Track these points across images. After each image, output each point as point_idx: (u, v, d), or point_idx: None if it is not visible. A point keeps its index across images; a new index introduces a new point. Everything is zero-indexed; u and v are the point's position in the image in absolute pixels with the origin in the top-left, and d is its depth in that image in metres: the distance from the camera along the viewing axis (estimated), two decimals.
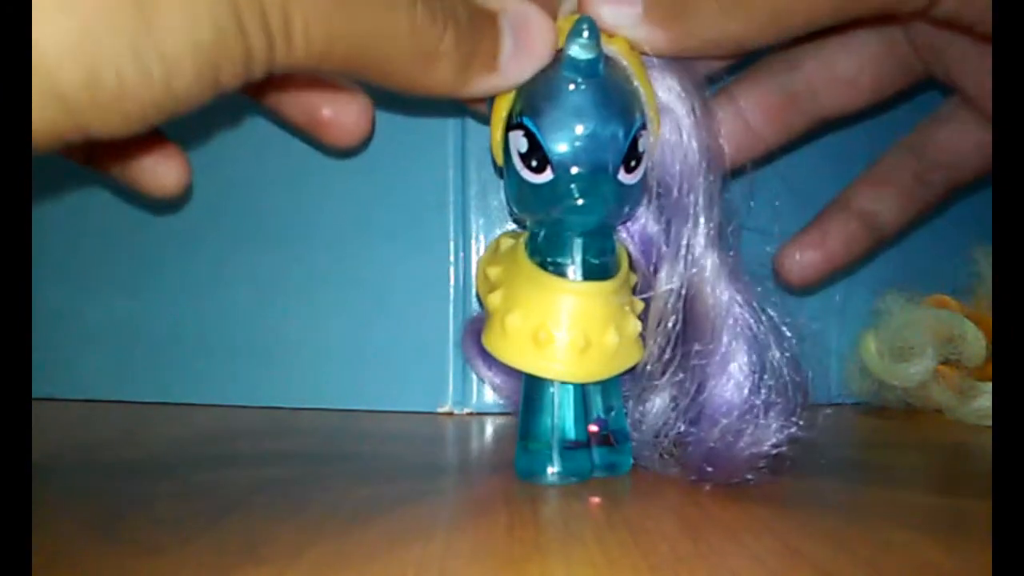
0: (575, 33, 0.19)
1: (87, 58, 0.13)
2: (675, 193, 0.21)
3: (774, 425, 0.19)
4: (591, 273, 0.20)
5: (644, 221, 0.22)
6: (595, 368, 0.20)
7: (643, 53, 0.21)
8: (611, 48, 0.20)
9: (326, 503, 0.18)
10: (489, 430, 0.27)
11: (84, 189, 0.30)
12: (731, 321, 0.20)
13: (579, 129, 0.19)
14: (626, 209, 0.21)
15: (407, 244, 0.29)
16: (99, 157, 0.23)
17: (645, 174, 0.21)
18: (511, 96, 0.20)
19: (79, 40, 0.13)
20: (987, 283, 0.29)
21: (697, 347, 0.20)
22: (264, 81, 0.16)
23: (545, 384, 0.20)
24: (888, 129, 0.29)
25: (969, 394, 0.28)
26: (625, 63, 0.20)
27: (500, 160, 0.21)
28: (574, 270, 0.20)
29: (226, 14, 0.14)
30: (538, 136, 0.19)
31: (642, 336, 0.21)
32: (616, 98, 0.20)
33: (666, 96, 0.21)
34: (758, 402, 0.19)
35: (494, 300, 0.21)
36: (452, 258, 0.29)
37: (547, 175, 0.20)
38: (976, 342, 0.28)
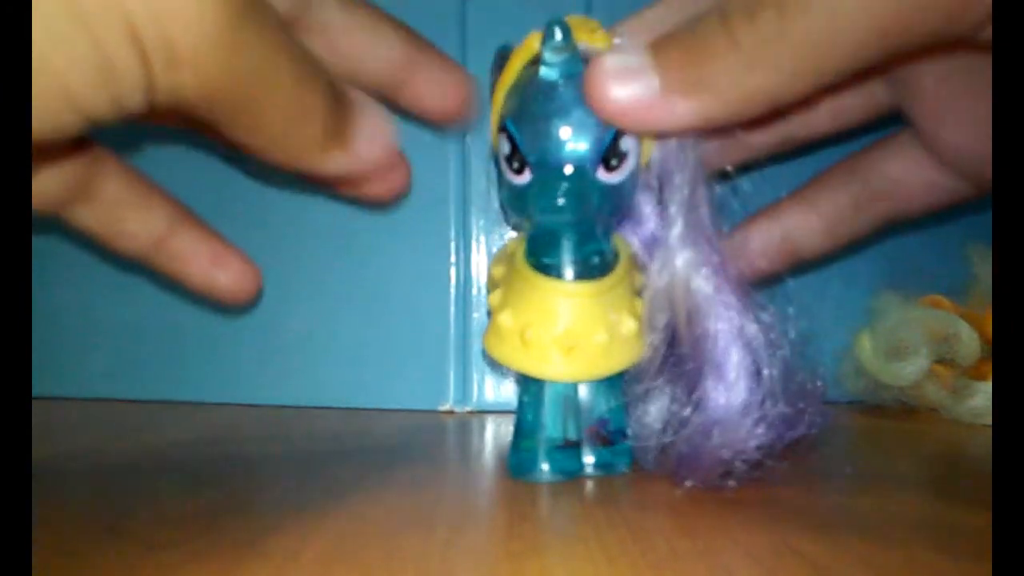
0: (548, 36, 0.19)
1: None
2: (669, 193, 0.20)
3: (761, 427, 0.19)
4: (582, 273, 0.20)
5: (643, 217, 0.22)
6: (582, 368, 0.20)
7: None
8: (592, 46, 0.20)
9: (327, 500, 0.18)
10: (490, 428, 0.27)
11: None
12: (724, 325, 0.20)
13: (553, 131, 0.19)
14: (615, 208, 0.21)
15: (408, 243, 0.29)
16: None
17: (634, 173, 0.20)
18: (501, 99, 0.21)
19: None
20: (981, 283, 0.29)
21: (689, 350, 0.20)
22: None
23: (535, 383, 0.21)
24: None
25: (964, 393, 0.28)
26: None
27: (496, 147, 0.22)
28: (564, 270, 0.20)
29: (80, 31, 0.13)
30: (516, 138, 0.20)
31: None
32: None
33: None
34: (753, 402, 0.19)
35: (493, 300, 0.21)
36: (453, 258, 0.29)
37: (526, 176, 0.20)
38: (970, 342, 0.28)
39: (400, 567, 0.14)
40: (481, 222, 0.29)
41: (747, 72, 0.17)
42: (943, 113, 0.23)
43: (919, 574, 0.14)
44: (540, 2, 0.22)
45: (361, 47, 0.23)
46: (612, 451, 0.21)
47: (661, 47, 0.18)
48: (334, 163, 0.19)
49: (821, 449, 0.24)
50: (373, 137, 0.19)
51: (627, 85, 0.18)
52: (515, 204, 0.21)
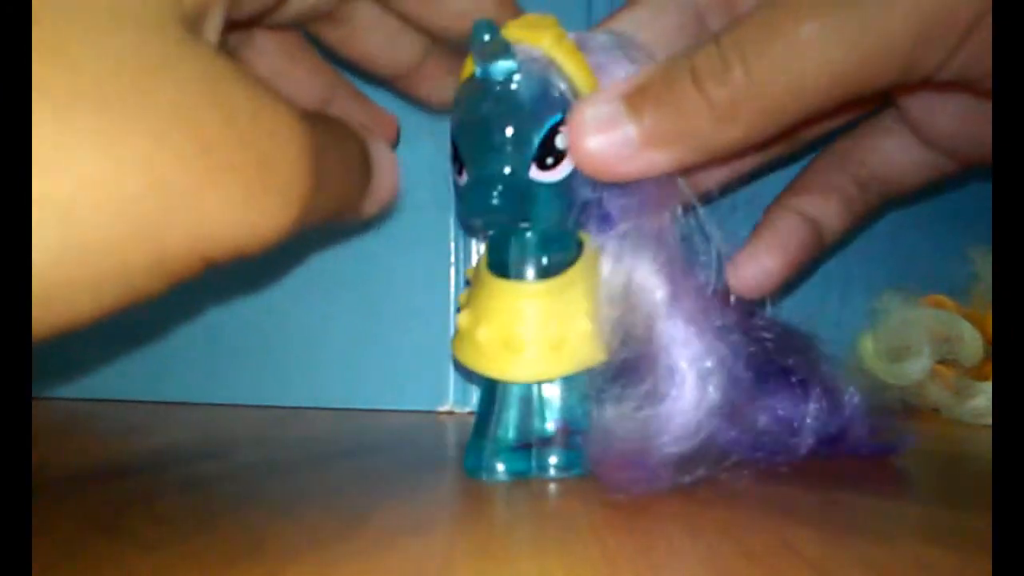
0: (474, 38, 0.19)
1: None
2: (619, 198, 0.20)
3: (684, 425, 0.18)
4: (536, 272, 0.20)
5: (609, 215, 0.21)
6: (533, 369, 0.20)
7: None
8: (530, 44, 0.20)
9: (326, 501, 0.18)
10: None
11: None
12: (676, 323, 0.19)
13: (482, 130, 0.19)
14: (556, 207, 0.20)
15: (408, 244, 0.29)
16: None
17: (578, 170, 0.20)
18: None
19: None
20: (984, 283, 0.29)
21: (646, 350, 0.19)
22: None
23: (490, 382, 0.21)
24: None
25: (966, 393, 0.28)
26: (544, 57, 0.20)
27: None
28: (515, 269, 0.20)
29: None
30: (455, 141, 0.20)
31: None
32: (524, 97, 0.19)
33: (613, 81, 0.20)
34: (714, 407, 0.19)
35: (461, 300, 0.22)
36: (452, 258, 0.29)
37: (464, 177, 0.20)
38: (973, 342, 0.28)
39: (400, 567, 0.14)
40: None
41: (720, 128, 0.18)
42: (931, 102, 0.23)
43: (920, 574, 0.14)
44: (540, 2, 0.22)
45: (379, 47, 0.24)
46: (572, 452, 0.21)
47: (636, 101, 0.19)
48: (369, 208, 0.20)
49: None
50: (382, 185, 0.20)
51: (604, 136, 0.19)
52: (459, 207, 0.21)
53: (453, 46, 0.23)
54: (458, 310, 0.22)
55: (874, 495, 0.20)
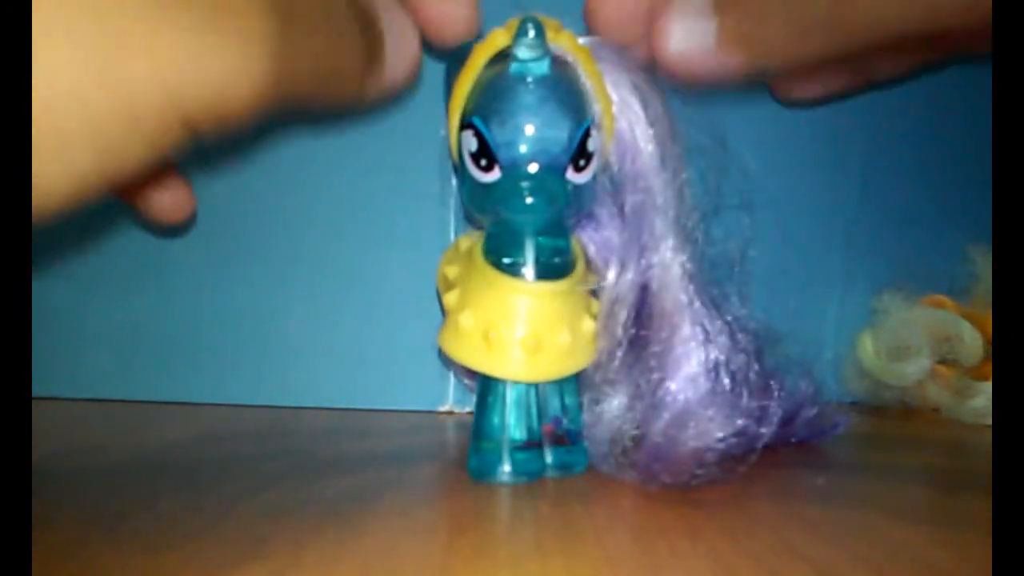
0: (521, 33, 0.19)
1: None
2: (631, 192, 0.20)
3: (719, 418, 0.19)
4: (545, 273, 0.20)
5: (601, 220, 0.22)
6: (546, 368, 0.20)
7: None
8: (558, 45, 0.20)
9: (327, 501, 0.18)
10: None
11: None
12: (686, 322, 0.20)
13: (526, 128, 0.19)
14: (577, 208, 0.21)
15: (407, 243, 0.29)
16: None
17: (596, 175, 0.21)
18: (464, 95, 0.20)
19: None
20: (984, 283, 0.29)
21: (653, 349, 0.20)
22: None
23: (497, 384, 0.21)
24: (876, 142, 0.30)
25: (966, 393, 0.28)
26: (572, 60, 0.20)
27: (456, 159, 0.21)
28: (527, 269, 0.20)
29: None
30: (485, 135, 0.20)
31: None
32: (563, 96, 0.20)
33: (618, 92, 0.21)
34: (710, 398, 0.19)
35: (451, 300, 0.21)
36: None
37: (495, 174, 0.20)
38: (973, 342, 0.28)
39: (400, 568, 0.14)
40: None
41: (798, 41, 0.19)
42: None
43: (920, 574, 0.14)
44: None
45: (442, 16, 0.23)
46: (569, 450, 0.21)
47: (724, 3, 0.20)
48: (370, 92, 0.20)
49: (822, 449, 0.24)
50: (401, 56, 0.20)
51: (687, 27, 0.20)
52: (481, 202, 0.21)
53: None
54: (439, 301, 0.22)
55: (874, 495, 0.20)
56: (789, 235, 0.30)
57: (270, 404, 0.30)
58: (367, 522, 0.17)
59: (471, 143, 0.20)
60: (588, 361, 0.21)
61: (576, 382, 0.21)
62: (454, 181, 0.29)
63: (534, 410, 0.21)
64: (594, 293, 0.21)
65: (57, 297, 0.30)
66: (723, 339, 0.20)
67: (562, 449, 0.21)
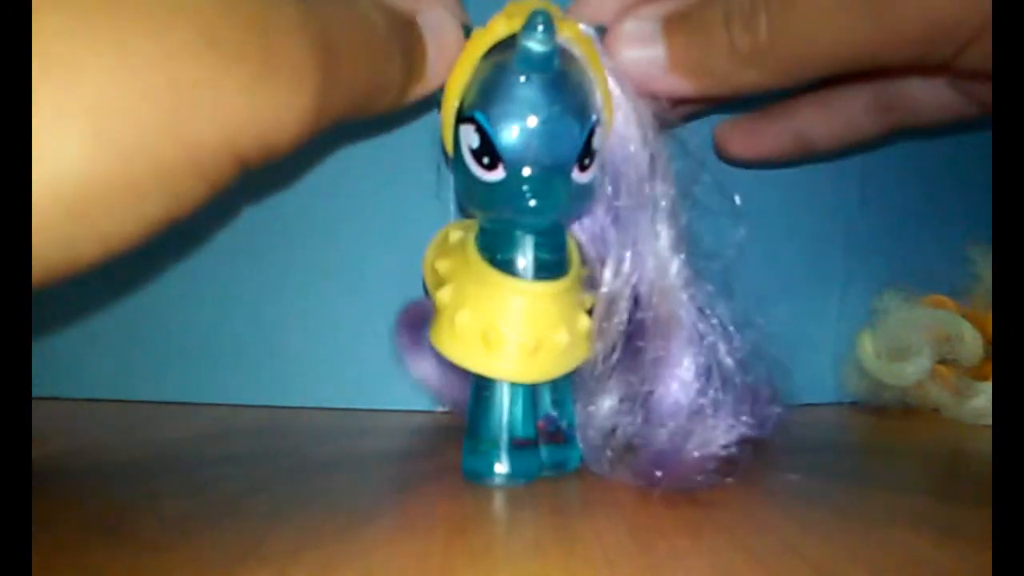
0: (530, 26, 0.18)
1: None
2: (626, 190, 0.20)
3: (722, 426, 0.19)
4: (543, 271, 0.20)
5: (597, 217, 0.21)
6: (546, 368, 0.20)
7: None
8: (563, 36, 0.19)
9: (327, 501, 0.18)
10: None
11: None
12: (679, 324, 0.20)
13: (533, 125, 0.18)
14: (579, 208, 0.20)
15: (408, 243, 0.29)
16: None
17: (596, 174, 0.20)
18: (461, 86, 0.20)
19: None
20: (984, 283, 0.29)
21: (645, 348, 0.20)
22: None
23: (494, 384, 0.20)
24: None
25: (966, 394, 0.28)
26: (579, 53, 0.20)
27: (450, 151, 0.21)
28: (525, 268, 0.20)
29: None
30: (489, 132, 0.19)
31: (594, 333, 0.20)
32: (571, 92, 0.19)
33: (619, 89, 0.20)
34: (705, 403, 0.19)
35: (443, 297, 0.20)
36: None
37: (499, 173, 0.19)
38: (973, 342, 0.28)
39: (400, 567, 0.14)
40: None
41: (741, 69, 0.20)
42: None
43: (920, 574, 0.14)
44: None
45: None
46: (562, 448, 0.21)
47: (672, 27, 0.20)
48: (413, 97, 0.20)
49: (822, 450, 0.24)
50: (439, 58, 0.20)
51: (638, 51, 0.20)
52: (481, 200, 0.20)
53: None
54: (426, 292, 0.21)
55: (874, 495, 0.20)
56: (789, 235, 0.30)
57: (270, 404, 0.30)
58: (367, 522, 0.17)
59: (472, 139, 0.19)
60: (584, 358, 0.20)
61: (569, 379, 0.21)
62: (452, 181, 0.29)
63: (530, 409, 0.20)
64: (589, 286, 0.21)
65: (57, 297, 0.30)
66: (718, 341, 0.20)
67: (555, 446, 0.21)
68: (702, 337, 0.20)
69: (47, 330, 0.30)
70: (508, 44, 0.19)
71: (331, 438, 0.26)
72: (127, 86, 0.13)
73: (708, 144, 0.27)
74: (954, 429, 0.28)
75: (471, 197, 0.20)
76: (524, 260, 0.20)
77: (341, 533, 0.16)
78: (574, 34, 0.20)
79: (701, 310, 0.20)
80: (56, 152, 0.12)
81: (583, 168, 0.19)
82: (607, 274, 0.20)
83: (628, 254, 0.20)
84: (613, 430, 0.20)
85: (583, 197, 0.20)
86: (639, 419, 0.20)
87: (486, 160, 0.19)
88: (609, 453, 0.20)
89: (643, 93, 0.20)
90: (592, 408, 0.21)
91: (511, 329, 0.19)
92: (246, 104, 0.14)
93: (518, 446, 0.20)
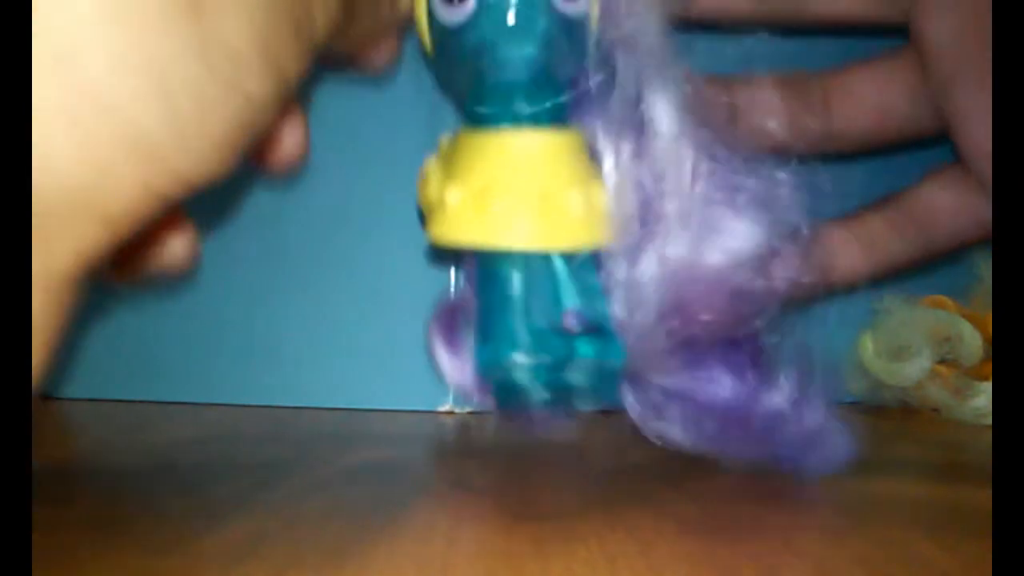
0: None
1: (153, 75, 0.11)
2: (624, 53, 0.17)
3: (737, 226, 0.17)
4: (542, 119, 0.17)
5: (592, 96, 0.18)
6: (558, 233, 0.17)
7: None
8: None
9: (327, 501, 0.18)
10: (490, 429, 0.27)
11: None
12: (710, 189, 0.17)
13: None
14: (568, 49, 0.18)
15: (408, 243, 0.29)
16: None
17: (588, 13, 0.18)
18: None
19: (139, 53, 0.11)
20: (984, 283, 0.29)
21: (667, 215, 0.17)
22: None
23: (503, 264, 0.17)
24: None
25: (966, 393, 0.28)
26: None
27: (428, 44, 0.19)
28: (516, 117, 0.17)
29: None
30: None
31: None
32: None
33: None
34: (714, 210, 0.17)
35: (433, 190, 0.18)
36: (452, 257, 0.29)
37: (469, 6, 0.17)
38: (973, 342, 0.28)
39: (400, 567, 0.14)
40: None
41: None
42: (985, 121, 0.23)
43: (920, 574, 0.14)
44: None
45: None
46: (598, 339, 0.17)
47: None
48: (404, 2, 0.19)
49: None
50: None
51: None
52: (456, 56, 0.18)
53: None
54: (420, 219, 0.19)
55: (874, 495, 0.20)
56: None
57: (270, 404, 0.30)
58: (367, 522, 0.17)
59: None
60: (603, 238, 0.17)
61: (592, 264, 0.18)
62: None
63: (550, 297, 0.17)
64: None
65: None
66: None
67: (587, 338, 0.17)
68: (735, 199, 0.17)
69: None
70: None
71: (331, 438, 0.26)
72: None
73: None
74: (954, 428, 0.28)
75: (447, 59, 0.19)
76: (515, 110, 0.17)
77: (341, 533, 0.16)
78: None
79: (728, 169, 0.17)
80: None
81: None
82: (609, 156, 0.17)
83: (632, 129, 0.17)
84: (654, 302, 0.17)
85: (570, 35, 0.18)
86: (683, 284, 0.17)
87: None
88: (651, 326, 0.17)
89: None
90: (628, 291, 0.17)
91: (509, 184, 0.17)
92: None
93: (540, 334, 0.17)
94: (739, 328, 0.17)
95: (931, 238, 0.25)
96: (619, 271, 0.17)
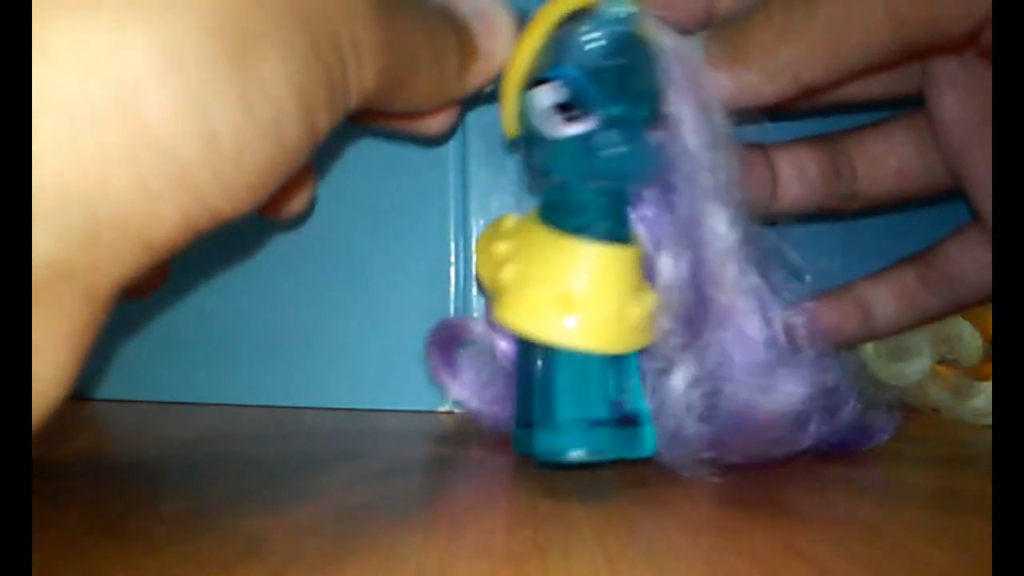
0: None
1: (201, 120, 0.12)
2: (680, 164, 0.20)
3: (795, 377, 0.19)
4: (615, 237, 0.19)
5: (648, 199, 0.21)
6: (623, 338, 0.19)
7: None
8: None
9: (327, 501, 0.18)
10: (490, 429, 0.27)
11: None
12: (743, 288, 0.19)
13: (633, 84, 0.19)
14: (650, 171, 0.20)
15: (408, 243, 0.29)
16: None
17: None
18: (532, 53, 0.20)
19: (190, 101, 0.12)
20: None
21: (711, 326, 0.19)
22: None
23: (566, 358, 0.19)
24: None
25: (966, 393, 0.28)
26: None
27: (513, 130, 0.21)
28: (600, 231, 0.19)
29: (308, 43, 0.14)
30: (585, 87, 0.19)
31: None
32: (650, 55, 0.19)
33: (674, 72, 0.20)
34: (772, 359, 0.19)
35: (507, 275, 0.20)
36: (452, 258, 0.29)
37: (588, 124, 0.19)
38: (972, 341, 0.28)
39: (400, 567, 0.14)
40: (481, 222, 0.29)
41: (776, 43, 0.19)
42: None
43: (920, 574, 0.14)
44: None
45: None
46: (634, 430, 0.20)
47: (713, 30, 0.21)
48: (473, 81, 0.20)
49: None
50: (490, 36, 0.20)
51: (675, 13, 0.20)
52: (561, 161, 0.19)
53: None
54: (480, 287, 0.21)
55: (874, 496, 0.20)
56: (789, 235, 0.30)
57: (270, 404, 0.30)
58: (367, 522, 0.17)
59: (559, 94, 0.19)
60: (651, 339, 0.20)
61: (634, 361, 0.20)
62: (453, 182, 0.29)
63: (600, 388, 0.19)
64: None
65: None
66: (777, 308, 0.19)
67: (624, 429, 0.19)
68: (763, 301, 0.19)
69: None
70: (576, 16, 0.20)
71: (331, 438, 0.26)
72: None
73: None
74: (954, 428, 0.28)
75: (551, 160, 0.20)
76: (597, 224, 0.19)
77: (341, 533, 0.16)
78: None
79: (761, 280, 0.20)
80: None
81: (656, 127, 0.20)
82: (664, 258, 0.20)
83: (686, 232, 0.19)
84: (687, 409, 0.19)
85: (656, 158, 0.20)
86: (717, 388, 0.19)
87: (574, 112, 0.19)
88: (684, 434, 0.19)
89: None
90: (663, 392, 0.20)
91: (591, 294, 0.19)
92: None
93: (596, 423, 0.19)
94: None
95: (961, 293, 0.25)
96: (660, 376, 0.20)
